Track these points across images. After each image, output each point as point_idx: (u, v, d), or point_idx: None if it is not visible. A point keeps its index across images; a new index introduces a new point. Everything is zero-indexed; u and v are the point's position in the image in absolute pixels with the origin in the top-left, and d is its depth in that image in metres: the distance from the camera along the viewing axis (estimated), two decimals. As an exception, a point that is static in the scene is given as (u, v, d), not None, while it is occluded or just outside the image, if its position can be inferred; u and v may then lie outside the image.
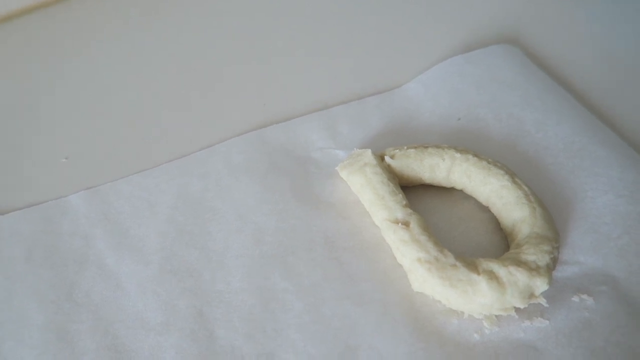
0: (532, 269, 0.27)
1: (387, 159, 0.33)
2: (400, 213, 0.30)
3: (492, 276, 0.27)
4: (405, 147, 0.33)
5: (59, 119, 0.40)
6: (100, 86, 0.42)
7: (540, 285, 0.27)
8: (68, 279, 0.30)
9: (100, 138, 0.38)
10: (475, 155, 0.32)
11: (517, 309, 0.28)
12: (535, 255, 0.28)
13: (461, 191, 0.34)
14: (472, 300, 0.27)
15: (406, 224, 0.30)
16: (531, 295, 0.27)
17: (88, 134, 0.38)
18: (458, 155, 0.32)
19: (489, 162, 0.32)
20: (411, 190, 0.34)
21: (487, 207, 0.33)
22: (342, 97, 0.40)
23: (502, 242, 0.32)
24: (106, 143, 0.38)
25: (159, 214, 0.33)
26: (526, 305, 0.28)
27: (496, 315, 0.28)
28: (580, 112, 0.37)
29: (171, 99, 0.41)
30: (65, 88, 0.42)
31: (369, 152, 0.33)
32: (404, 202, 0.31)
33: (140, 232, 0.32)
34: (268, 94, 0.41)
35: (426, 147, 0.33)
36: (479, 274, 0.27)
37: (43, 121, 0.40)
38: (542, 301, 0.28)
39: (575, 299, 0.29)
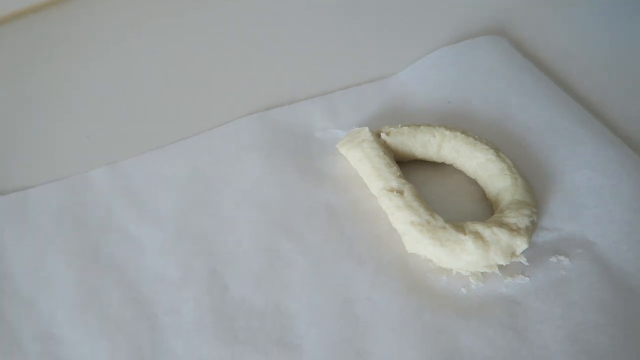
0: (513, 229, 0.30)
1: (383, 135, 0.36)
2: (395, 182, 0.33)
3: (477, 236, 0.30)
4: (400, 125, 0.36)
5: (81, 102, 0.43)
6: (117, 72, 0.46)
7: (520, 244, 0.30)
8: (93, 243, 0.34)
9: (118, 119, 0.42)
10: (463, 132, 0.36)
11: (500, 267, 0.31)
12: (516, 218, 0.31)
13: (451, 166, 0.37)
14: (460, 258, 0.30)
15: (400, 192, 0.33)
16: (512, 254, 0.31)
17: (107, 116, 0.42)
18: (447, 132, 0.35)
19: (475, 139, 0.35)
20: (405, 165, 0.37)
21: (474, 179, 0.36)
22: (341, 84, 0.43)
23: (488, 211, 0.35)
24: (124, 123, 0.41)
25: (174, 186, 0.36)
26: (508, 263, 0.31)
27: (481, 273, 0.31)
28: (561, 96, 0.40)
29: (184, 83, 0.44)
30: (87, 73, 0.46)
31: (366, 129, 0.36)
32: (399, 174, 0.34)
33: (158, 202, 0.35)
34: (273, 80, 0.44)
35: (418, 126, 0.36)
36: (465, 234, 0.30)
37: (66, 103, 0.43)
38: (522, 259, 0.31)
39: (553, 259, 0.32)
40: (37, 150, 0.40)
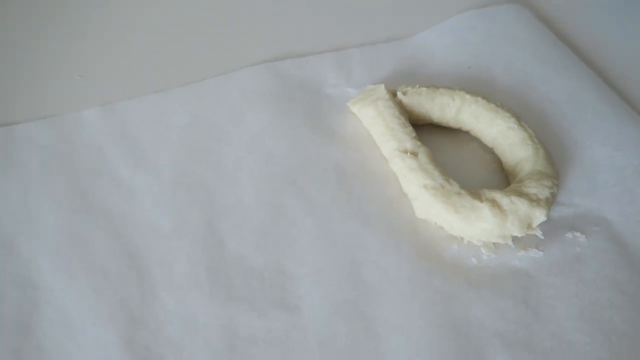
0: (533, 200, 0.29)
1: (399, 94, 0.34)
2: (409, 144, 0.31)
3: (494, 204, 0.28)
4: (418, 86, 0.34)
5: (73, 37, 0.40)
6: (117, 5, 0.43)
7: (539, 215, 0.29)
8: (82, 187, 0.31)
9: (114, 58, 0.39)
10: (485, 97, 0.34)
11: (514, 239, 0.29)
12: (537, 188, 0.29)
13: (467, 133, 0.35)
14: (474, 225, 0.28)
15: (414, 154, 0.31)
16: (529, 225, 0.29)
17: (102, 53, 0.39)
18: (468, 96, 0.33)
19: (497, 105, 0.33)
20: (419, 129, 0.35)
21: (492, 148, 0.34)
22: (354, 41, 0.41)
23: (503, 182, 0.33)
24: (120, 63, 0.38)
25: (172, 133, 0.34)
26: (523, 235, 0.29)
27: (494, 243, 0.29)
28: (584, 70, 0.39)
29: (188, 24, 0.42)
30: (84, 6, 0.42)
31: (382, 87, 0.34)
32: (413, 135, 0.32)
33: (154, 149, 0.33)
34: (284, 30, 0.41)
35: (437, 88, 0.34)
36: (482, 201, 0.29)
37: (57, 38, 0.40)
38: (538, 233, 0.29)
39: (569, 235, 0.30)
40: (25, 85, 0.37)
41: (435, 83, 0.37)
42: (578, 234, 0.30)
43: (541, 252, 0.29)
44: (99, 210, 0.30)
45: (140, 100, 0.35)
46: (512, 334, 0.27)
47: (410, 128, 0.32)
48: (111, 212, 0.30)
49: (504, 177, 0.33)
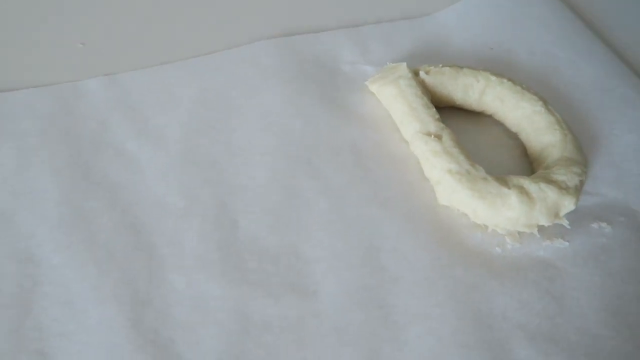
0: (562, 187, 0.27)
1: (421, 74, 0.32)
2: (433, 126, 0.30)
3: (522, 191, 0.27)
4: (441, 65, 0.33)
5: (75, 3, 0.37)
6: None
7: (568, 204, 0.27)
8: (83, 159, 0.29)
9: (119, 26, 0.36)
10: (510, 80, 0.32)
11: (539, 228, 0.28)
12: (566, 175, 0.28)
13: (490, 116, 0.33)
14: (500, 213, 0.27)
15: (438, 137, 0.29)
16: (556, 214, 0.28)
17: (106, 21, 0.36)
18: (493, 78, 0.32)
19: (523, 88, 0.32)
20: (440, 111, 0.33)
21: (516, 133, 0.32)
22: (372, 17, 0.39)
23: (527, 169, 0.32)
24: (126, 32, 0.36)
25: (181, 106, 0.32)
26: (550, 224, 0.28)
27: (519, 232, 0.28)
28: (610, 56, 0.37)
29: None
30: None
31: (404, 65, 0.32)
32: (437, 117, 0.30)
33: (162, 122, 0.31)
34: (295, 4, 0.39)
35: (461, 68, 0.33)
36: (509, 188, 0.27)
37: (59, 2, 0.37)
38: (565, 222, 0.28)
39: (595, 225, 0.29)
40: (23, 52, 0.34)
41: (456, 62, 0.36)
42: (604, 224, 0.29)
43: (566, 243, 0.28)
44: (102, 185, 0.28)
45: (146, 72, 0.33)
46: (536, 326, 0.26)
47: (434, 109, 0.31)
48: (116, 186, 0.28)
49: (528, 164, 0.32)
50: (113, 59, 0.34)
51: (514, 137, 0.33)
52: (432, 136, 0.29)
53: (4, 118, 0.30)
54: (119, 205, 0.28)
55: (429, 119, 0.30)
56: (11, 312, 0.24)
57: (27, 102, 0.31)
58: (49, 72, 0.33)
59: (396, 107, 0.31)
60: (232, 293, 0.25)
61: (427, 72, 0.32)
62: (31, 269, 0.25)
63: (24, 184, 0.28)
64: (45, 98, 0.31)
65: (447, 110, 0.33)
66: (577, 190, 0.28)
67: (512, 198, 0.27)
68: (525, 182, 0.27)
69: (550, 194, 0.27)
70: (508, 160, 0.32)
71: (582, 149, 0.30)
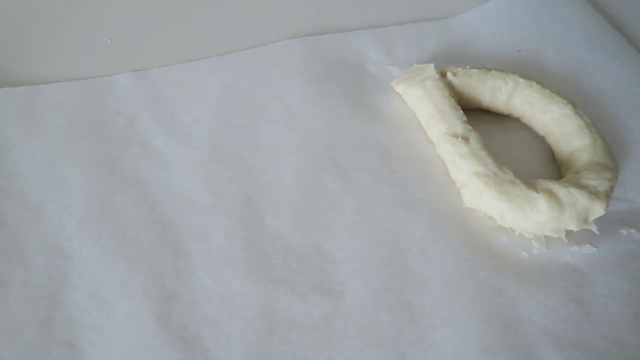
0: (592, 192, 0.27)
1: (449, 75, 0.32)
2: (460, 128, 0.29)
3: (551, 195, 0.27)
4: (468, 67, 0.32)
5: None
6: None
7: (598, 210, 0.27)
8: (111, 154, 0.30)
9: (148, 23, 0.37)
10: (539, 82, 0.32)
11: (567, 233, 0.28)
12: (597, 180, 0.27)
13: (517, 120, 0.33)
14: (528, 217, 0.27)
15: (466, 139, 0.29)
16: (585, 219, 0.27)
17: (135, 18, 0.37)
18: (522, 80, 0.32)
19: (552, 91, 0.31)
20: (467, 113, 0.33)
21: (543, 137, 0.32)
22: (398, 18, 0.39)
23: (554, 173, 0.31)
24: (154, 29, 0.36)
25: (208, 103, 0.32)
26: (579, 229, 0.27)
27: (546, 237, 0.28)
28: (638, 59, 0.37)
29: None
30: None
31: (431, 66, 0.32)
32: (464, 119, 0.30)
33: (189, 119, 0.31)
34: (321, 4, 0.39)
35: (489, 70, 0.32)
36: (538, 192, 0.27)
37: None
38: (594, 228, 0.28)
39: (624, 232, 0.29)
40: (52, 47, 0.35)
41: (482, 64, 0.35)
42: (633, 231, 0.29)
43: (594, 248, 0.28)
44: (130, 180, 0.29)
45: (173, 68, 0.33)
46: (563, 332, 0.25)
47: (461, 111, 0.30)
48: (143, 182, 0.29)
49: (555, 168, 0.31)
50: (141, 55, 0.35)
51: (541, 141, 0.32)
52: (459, 138, 0.29)
53: (34, 111, 0.31)
54: (147, 201, 0.28)
55: (456, 121, 0.30)
56: (41, 304, 0.24)
57: (57, 96, 0.32)
58: (78, 67, 0.34)
59: (422, 108, 0.31)
60: (258, 290, 0.25)
61: (454, 74, 0.32)
62: (61, 261, 0.26)
63: (53, 177, 0.28)
64: (74, 92, 0.32)
65: (473, 112, 0.33)
66: (607, 196, 0.27)
67: (541, 202, 0.27)
68: (555, 187, 0.27)
69: (581, 198, 0.27)
70: (535, 164, 0.32)
71: (612, 154, 0.30)
